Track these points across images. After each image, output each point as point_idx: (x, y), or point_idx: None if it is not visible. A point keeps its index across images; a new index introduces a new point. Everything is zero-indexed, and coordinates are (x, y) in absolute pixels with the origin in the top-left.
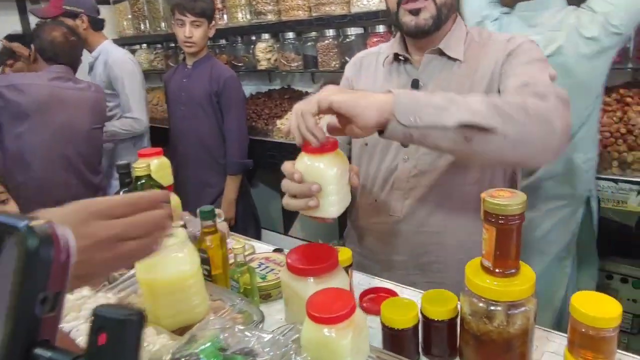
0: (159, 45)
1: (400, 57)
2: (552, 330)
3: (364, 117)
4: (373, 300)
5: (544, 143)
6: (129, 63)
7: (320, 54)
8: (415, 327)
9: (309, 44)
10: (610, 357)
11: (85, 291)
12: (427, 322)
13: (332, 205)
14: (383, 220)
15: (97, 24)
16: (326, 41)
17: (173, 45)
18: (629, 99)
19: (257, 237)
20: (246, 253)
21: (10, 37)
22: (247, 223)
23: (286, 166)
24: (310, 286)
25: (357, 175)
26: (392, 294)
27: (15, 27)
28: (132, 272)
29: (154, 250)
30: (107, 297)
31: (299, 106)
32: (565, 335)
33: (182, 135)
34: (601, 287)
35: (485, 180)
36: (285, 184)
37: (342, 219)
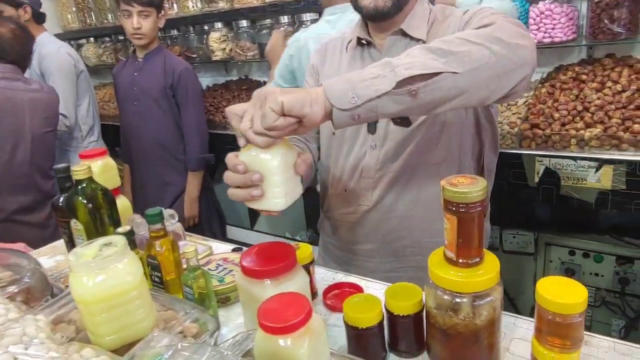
0: (107, 39)
1: (363, 41)
2: (519, 316)
3: (312, 115)
4: (337, 296)
5: (502, 62)
6: (61, 55)
7: None
8: (380, 323)
9: (264, 31)
10: (578, 343)
11: (12, 313)
12: (392, 317)
13: (278, 198)
14: (353, 210)
15: (40, 17)
16: (281, 28)
17: (122, 38)
18: (584, 77)
19: (222, 233)
20: (204, 255)
21: None
22: (212, 220)
23: (229, 158)
24: (267, 288)
25: (305, 164)
26: (357, 288)
27: None
28: None
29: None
30: (36, 319)
31: (253, 110)
32: (532, 320)
33: (135, 133)
34: (566, 263)
35: (451, 158)
36: (228, 175)
37: (310, 211)
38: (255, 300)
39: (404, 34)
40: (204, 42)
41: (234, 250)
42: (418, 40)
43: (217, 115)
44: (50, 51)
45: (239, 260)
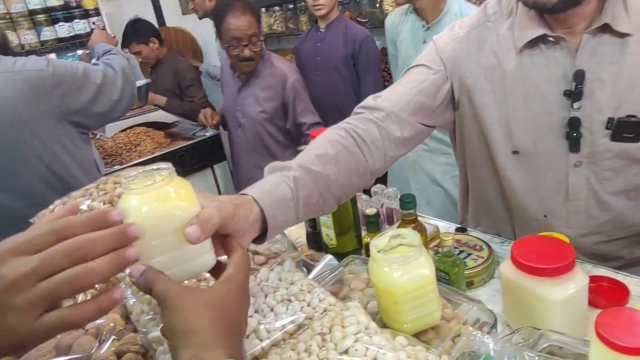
0: (277, 8)
1: (550, 38)
2: None
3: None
4: (594, 290)
5: None
6: None
7: None
8: None
9: None
10: None
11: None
12: None
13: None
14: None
15: None
16: None
17: (291, 6)
18: None
19: None
20: (432, 235)
21: None
22: None
23: None
24: (546, 287)
25: (208, 230)
26: (620, 287)
27: None
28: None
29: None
30: (357, 306)
31: None
32: None
33: (317, 102)
34: None
35: None
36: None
37: None
38: (526, 296)
39: (606, 27)
40: (377, 5)
41: (457, 230)
42: (624, 35)
43: (390, 82)
44: None
45: (475, 241)
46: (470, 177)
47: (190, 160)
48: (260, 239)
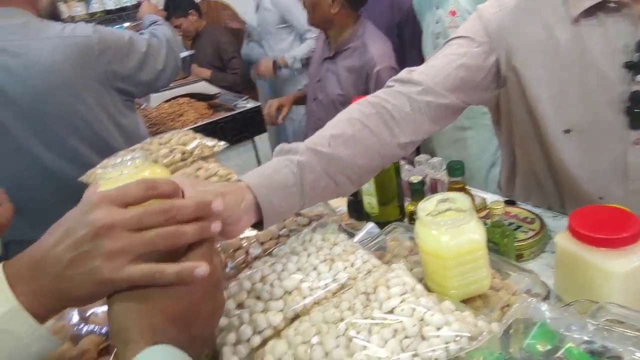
0: None
1: (611, 4)
2: None
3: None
4: None
5: None
6: None
7: None
8: None
9: None
10: None
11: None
12: None
13: None
14: None
15: None
16: None
17: None
18: None
19: None
20: (479, 206)
21: None
22: None
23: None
24: (609, 259)
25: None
26: None
27: None
28: None
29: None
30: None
31: None
32: None
33: None
34: None
35: None
36: None
37: None
38: (584, 269)
39: None
40: None
41: (507, 202)
42: None
43: None
44: None
45: (525, 213)
46: (519, 155)
47: (231, 131)
48: (258, 225)
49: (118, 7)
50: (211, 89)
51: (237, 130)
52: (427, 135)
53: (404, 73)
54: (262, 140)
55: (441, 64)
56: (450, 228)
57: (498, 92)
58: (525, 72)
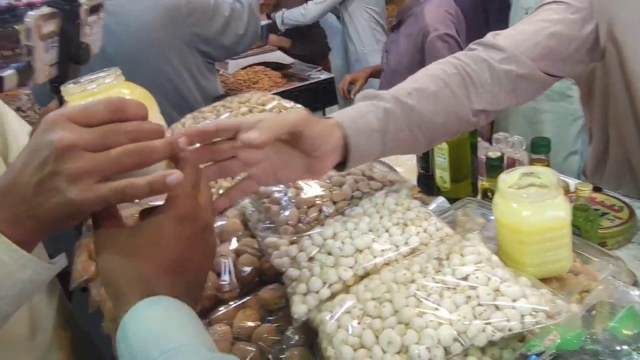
0: None
1: None
2: None
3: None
4: None
5: None
6: None
7: None
8: None
9: None
10: None
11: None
12: None
13: None
14: None
15: None
16: None
17: None
18: None
19: None
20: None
21: None
22: None
23: None
24: None
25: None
26: None
27: None
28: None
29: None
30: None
31: None
32: None
33: None
34: None
35: None
36: None
37: None
38: None
39: None
40: None
41: (595, 189)
42: None
43: None
44: None
45: (611, 200)
46: (613, 137)
47: (303, 102)
48: (339, 166)
49: None
50: (286, 59)
51: (309, 100)
52: (503, 107)
53: (489, 37)
54: (333, 112)
55: (531, 30)
56: (533, 202)
57: (593, 66)
58: (627, 44)
